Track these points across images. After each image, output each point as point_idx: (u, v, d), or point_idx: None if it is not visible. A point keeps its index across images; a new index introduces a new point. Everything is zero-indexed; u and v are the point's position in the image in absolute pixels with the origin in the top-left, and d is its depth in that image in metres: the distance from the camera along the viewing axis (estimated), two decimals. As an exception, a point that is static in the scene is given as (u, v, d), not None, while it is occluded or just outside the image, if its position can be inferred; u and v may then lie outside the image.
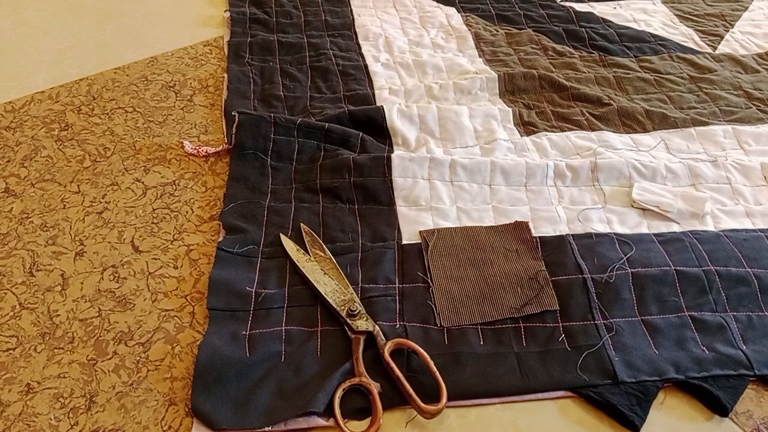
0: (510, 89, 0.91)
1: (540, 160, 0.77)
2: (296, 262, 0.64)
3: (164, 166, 0.77)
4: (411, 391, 0.53)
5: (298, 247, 0.65)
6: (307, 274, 0.62)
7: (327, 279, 0.62)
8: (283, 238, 0.66)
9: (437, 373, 0.54)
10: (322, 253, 0.65)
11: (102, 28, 1.03)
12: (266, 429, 0.51)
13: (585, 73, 0.96)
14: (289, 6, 1.09)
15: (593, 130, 0.83)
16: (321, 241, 0.66)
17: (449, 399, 0.53)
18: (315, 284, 0.61)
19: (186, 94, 0.89)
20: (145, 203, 0.72)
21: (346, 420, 0.52)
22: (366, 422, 0.52)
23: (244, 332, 0.58)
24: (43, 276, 0.64)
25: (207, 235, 0.69)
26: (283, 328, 0.59)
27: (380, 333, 0.57)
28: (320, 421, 0.52)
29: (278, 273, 0.64)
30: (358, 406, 0.53)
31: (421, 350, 0.56)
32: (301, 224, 0.68)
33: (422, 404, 0.52)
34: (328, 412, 0.52)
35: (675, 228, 0.70)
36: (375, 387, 0.53)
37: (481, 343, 0.58)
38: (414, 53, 0.99)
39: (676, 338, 0.59)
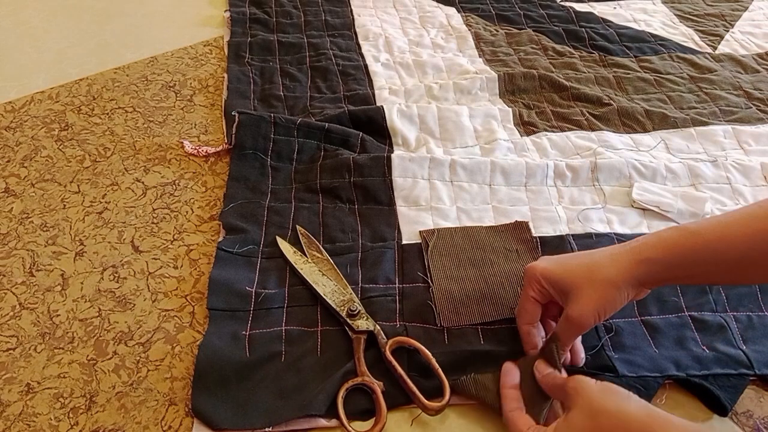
0: (510, 89, 0.91)
1: (540, 160, 0.77)
2: (294, 264, 0.63)
3: (164, 166, 0.77)
4: (414, 388, 0.53)
5: (295, 249, 0.65)
6: (305, 276, 0.62)
7: (325, 280, 0.62)
8: (279, 240, 0.66)
9: (439, 370, 0.54)
10: (319, 255, 0.65)
11: (102, 28, 1.03)
12: (267, 429, 0.51)
13: (585, 73, 0.96)
14: (289, 6, 1.09)
15: (593, 130, 0.83)
16: (318, 243, 0.66)
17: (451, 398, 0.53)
18: (314, 285, 0.61)
19: (186, 94, 0.89)
20: (145, 203, 0.72)
21: (349, 420, 0.52)
22: (368, 422, 0.52)
23: (244, 332, 0.58)
24: (43, 276, 0.64)
25: (207, 235, 0.69)
26: (283, 328, 0.59)
27: (381, 332, 0.57)
28: (322, 422, 0.52)
29: (278, 273, 0.64)
30: (361, 406, 0.53)
31: (423, 348, 0.56)
32: (297, 226, 0.68)
33: (426, 401, 0.52)
34: (330, 413, 0.52)
35: (675, 228, 0.70)
36: (378, 386, 0.53)
37: (482, 342, 0.58)
38: (414, 53, 0.99)
39: (676, 338, 0.59)
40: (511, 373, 0.53)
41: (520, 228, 0.68)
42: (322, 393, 0.52)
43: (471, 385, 0.54)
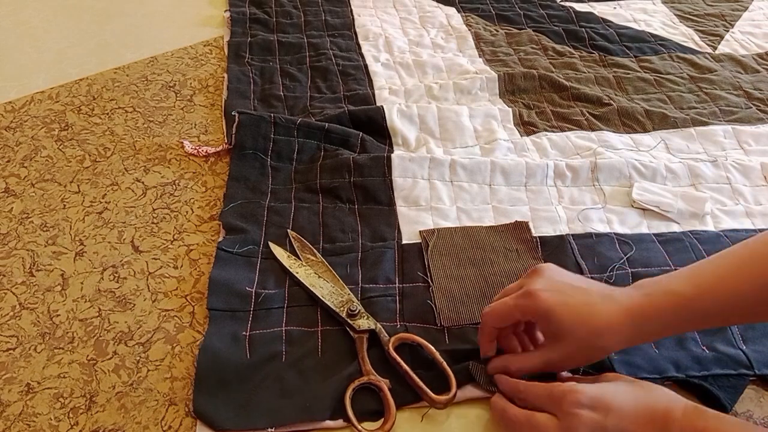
0: (510, 89, 0.91)
1: (540, 160, 0.77)
2: (288, 268, 0.63)
3: (164, 166, 0.77)
4: (420, 383, 0.53)
5: (289, 254, 0.65)
6: (302, 280, 0.62)
7: (322, 282, 0.62)
8: (272, 245, 0.66)
9: (444, 363, 0.54)
10: (313, 258, 0.65)
11: (102, 28, 1.03)
12: (269, 429, 0.51)
13: (585, 73, 0.96)
14: (289, 6, 1.09)
15: (593, 130, 0.83)
16: (311, 246, 0.66)
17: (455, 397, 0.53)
18: (311, 288, 0.61)
19: (186, 94, 0.89)
20: (145, 203, 0.72)
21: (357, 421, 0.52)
22: (376, 423, 0.52)
23: (244, 333, 0.58)
24: (43, 276, 0.64)
25: (207, 235, 0.69)
26: (284, 329, 0.59)
27: (382, 330, 0.57)
28: (327, 422, 0.52)
29: (278, 273, 0.64)
30: (367, 406, 0.53)
31: (426, 342, 0.56)
32: (289, 231, 0.68)
33: (434, 395, 0.52)
34: (336, 414, 0.52)
35: (675, 228, 0.70)
36: (385, 384, 0.53)
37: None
38: (414, 53, 0.99)
39: (676, 338, 0.58)
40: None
41: (520, 228, 0.68)
42: (327, 397, 0.52)
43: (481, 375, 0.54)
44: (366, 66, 0.95)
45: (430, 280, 0.63)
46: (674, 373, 0.55)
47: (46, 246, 0.67)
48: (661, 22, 1.10)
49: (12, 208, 0.71)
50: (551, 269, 0.53)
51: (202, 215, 0.71)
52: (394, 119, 0.82)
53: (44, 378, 0.55)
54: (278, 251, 0.65)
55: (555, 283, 0.51)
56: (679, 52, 1.01)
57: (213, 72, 0.94)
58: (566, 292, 0.51)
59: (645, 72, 0.96)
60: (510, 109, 0.86)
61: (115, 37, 1.01)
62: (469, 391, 0.54)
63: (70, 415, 0.53)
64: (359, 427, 0.51)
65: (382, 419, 0.52)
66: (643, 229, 0.70)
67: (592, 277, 0.62)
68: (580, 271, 0.63)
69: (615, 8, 1.13)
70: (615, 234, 0.68)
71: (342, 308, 0.59)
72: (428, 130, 0.82)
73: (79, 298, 0.62)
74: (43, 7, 1.08)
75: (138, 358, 0.57)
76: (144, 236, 0.68)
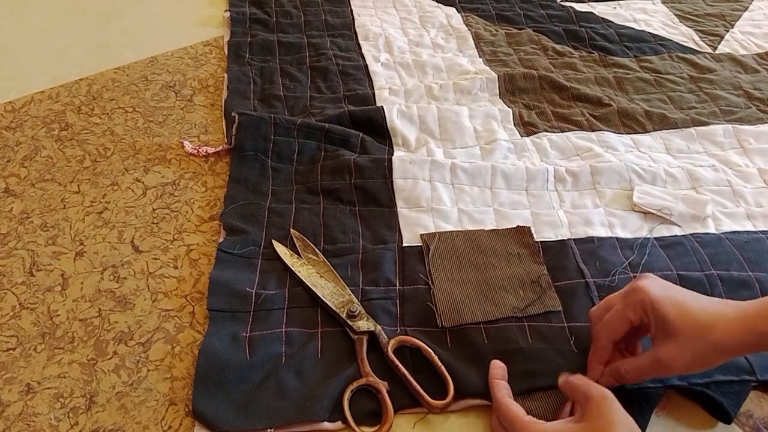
0: (510, 89, 0.91)
1: (540, 164, 0.77)
2: (291, 267, 0.63)
3: (164, 166, 0.77)
4: (418, 387, 0.53)
5: (291, 252, 0.65)
6: (303, 279, 0.62)
7: (323, 282, 0.62)
8: (275, 243, 0.66)
9: (442, 367, 0.54)
10: (315, 257, 0.65)
11: (102, 28, 1.03)
12: (268, 430, 0.51)
13: (585, 73, 0.96)
14: (289, 6, 1.09)
15: (593, 130, 0.83)
16: (313, 245, 0.66)
17: (455, 399, 0.53)
18: (312, 288, 0.61)
19: (186, 94, 0.89)
20: (145, 203, 0.72)
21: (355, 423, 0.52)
22: (374, 426, 0.52)
23: (244, 334, 0.58)
24: (43, 276, 0.64)
25: (207, 235, 0.69)
26: (284, 330, 0.58)
27: (382, 332, 0.57)
28: (326, 425, 0.52)
29: (278, 274, 0.64)
30: (365, 407, 0.53)
31: (425, 346, 0.56)
32: (291, 230, 0.68)
33: (430, 399, 0.52)
34: (334, 416, 0.52)
35: (676, 231, 0.70)
36: (383, 386, 0.53)
37: (485, 342, 0.58)
38: (414, 53, 0.99)
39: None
40: (501, 366, 0.54)
41: (522, 232, 0.68)
42: (324, 400, 0.52)
43: None
44: (366, 66, 0.95)
45: (431, 284, 0.63)
46: (677, 381, 0.54)
47: (46, 246, 0.67)
48: (661, 22, 1.10)
49: (12, 208, 0.71)
50: (654, 276, 0.52)
51: (202, 215, 0.71)
52: (394, 119, 0.82)
53: (44, 378, 0.55)
54: (281, 249, 0.65)
55: (661, 282, 0.51)
56: (679, 52, 1.01)
57: (213, 72, 0.94)
58: (673, 288, 0.51)
59: (645, 72, 0.96)
60: (510, 110, 0.86)
61: (115, 37, 1.01)
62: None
63: (70, 415, 0.53)
64: (357, 429, 0.51)
65: (379, 425, 0.52)
66: (644, 233, 0.69)
67: (594, 282, 0.62)
68: (582, 276, 0.63)
69: (615, 8, 1.13)
70: (616, 238, 0.68)
71: (342, 309, 0.59)
72: (428, 131, 0.82)
73: (79, 298, 0.62)
74: (43, 7, 1.08)
75: (138, 358, 0.57)
76: (144, 236, 0.68)
